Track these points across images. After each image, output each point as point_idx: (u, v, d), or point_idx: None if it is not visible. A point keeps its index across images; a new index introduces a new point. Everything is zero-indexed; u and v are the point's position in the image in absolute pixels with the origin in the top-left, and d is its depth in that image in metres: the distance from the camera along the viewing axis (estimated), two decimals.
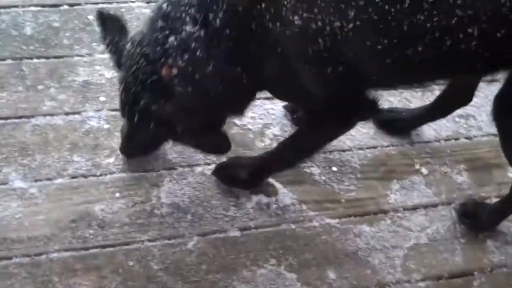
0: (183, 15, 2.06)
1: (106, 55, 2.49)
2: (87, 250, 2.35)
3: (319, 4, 1.90)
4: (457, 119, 2.91)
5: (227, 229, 2.47)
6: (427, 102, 2.85)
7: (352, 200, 2.62)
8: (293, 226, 2.52)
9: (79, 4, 3.07)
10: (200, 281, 2.34)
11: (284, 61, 2.04)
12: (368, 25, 1.91)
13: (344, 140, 2.74)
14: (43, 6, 3.03)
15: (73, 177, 2.51)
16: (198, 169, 2.60)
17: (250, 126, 2.75)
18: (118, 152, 2.56)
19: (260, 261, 2.41)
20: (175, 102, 2.12)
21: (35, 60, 2.83)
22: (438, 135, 2.87)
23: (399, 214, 2.61)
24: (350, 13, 1.89)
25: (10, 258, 2.29)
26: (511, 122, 2.21)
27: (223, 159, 2.56)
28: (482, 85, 2.64)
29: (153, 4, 2.39)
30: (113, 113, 2.64)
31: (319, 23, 1.92)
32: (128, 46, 2.21)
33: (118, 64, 2.29)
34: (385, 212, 2.61)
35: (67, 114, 2.68)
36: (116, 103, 2.37)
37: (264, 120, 2.79)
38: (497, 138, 2.31)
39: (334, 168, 2.69)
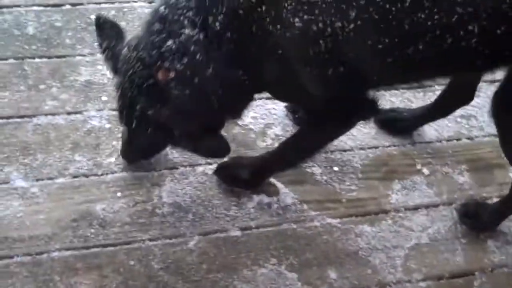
0: (181, 18, 2.05)
1: None
2: (88, 249, 2.35)
3: (320, 5, 1.90)
4: (458, 119, 2.92)
5: (228, 229, 2.47)
6: (429, 102, 2.84)
7: (353, 200, 2.62)
8: (294, 226, 2.52)
9: (81, 4, 3.07)
10: (200, 281, 2.34)
11: (285, 63, 2.04)
12: (369, 25, 1.91)
13: (346, 140, 2.74)
14: (46, 5, 3.03)
15: (75, 177, 2.52)
16: (200, 168, 2.60)
17: (251, 126, 2.76)
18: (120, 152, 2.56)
19: (261, 261, 2.42)
20: (172, 106, 2.12)
21: (37, 60, 2.84)
22: (439, 135, 2.87)
23: (400, 214, 2.61)
24: (351, 13, 1.90)
25: (11, 257, 2.29)
26: (509, 120, 2.21)
27: (225, 159, 2.56)
28: (483, 85, 2.64)
29: (154, 4, 2.40)
30: (115, 112, 2.60)
31: (320, 25, 1.92)
32: (124, 51, 2.20)
33: (115, 70, 2.28)
34: (386, 212, 2.61)
35: (69, 113, 2.69)
36: None
37: (266, 120, 2.79)
38: (498, 139, 2.31)
39: (336, 168, 2.69)
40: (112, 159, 2.55)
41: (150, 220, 2.45)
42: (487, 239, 2.59)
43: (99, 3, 3.09)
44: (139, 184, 2.53)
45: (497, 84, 2.21)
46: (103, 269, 2.31)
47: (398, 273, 2.46)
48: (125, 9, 3.09)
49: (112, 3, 3.10)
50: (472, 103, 2.68)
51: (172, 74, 2.07)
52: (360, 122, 2.51)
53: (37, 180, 2.48)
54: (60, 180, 2.50)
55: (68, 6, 3.05)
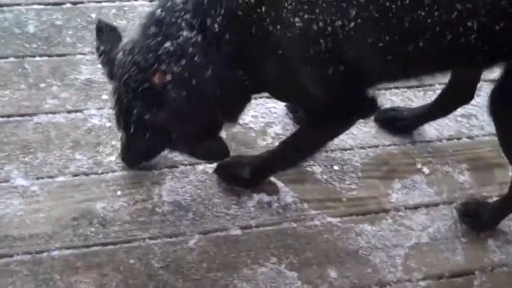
0: (179, 20, 2.04)
1: None
2: (88, 248, 2.35)
3: (320, 5, 1.90)
4: (459, 118, 2.91)
5: (228, 228, 2.47)
6: (429, 101, 2.84)
7: (353, 199, 2.62)
8: (294, 225, 2.52)
9: (82, 2, 3.07)
10: (201, 279, 2.34)
11: (285, 63, 2.04)
12: (369, 23, 1.92)
13: (346, 139, 2.74)
14: (46, 4, 3.04)
15: (75, 175, 2.52)
16: (200, 167, 2.60)
17: (252, 125, 2.76)
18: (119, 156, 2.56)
19: (261, 260, 2.42)
20: (169, 109, 2.11)
21: (37, 58, 2.84)
22: (440, 134, 2.87)
23: (401, 213, 2.61)
24: (351, 12, 1.90)
25: (11, 256, 2.29)
26: (507, 117, 2.21)
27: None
28: (483, 84, 2.64)
29: (155, 2, 2.40)
30: None
31: (321, 24, 1.92)
32: (120, 55, 2.19)
33: (111, 75, 2.27)
34: (386, 211, 2.61)
35: (69, 112, 2.69)
36: None
37: (266, 119, 2.79)
38: (497, 136, 2.32)
39: (336, 167, 2.69)
40: (113, 158, 2.56)
41: (150, 218, 2.45)
42: (487, 238, 2.59)
43: (100, 2, 3.09)
44: (139, 182, 2.53)
45: None
46: (103, 268, 2.32)
47: (398, 272, 2.46)
48: (126, 8, 3.09)
49: (113, 1, 3.10)
50: (473, 102, 2.67)
51: (169, 77, 2.06)
52: (360, 120, 2.51)
53: (38, 178, 2.48)
54: (61, 178, 2.50)
55: (68, 5, 3.05)
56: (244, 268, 2.39)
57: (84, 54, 2.88)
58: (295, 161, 2.55)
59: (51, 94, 2.73)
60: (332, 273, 2.42)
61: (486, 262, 2.53)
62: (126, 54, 2.15)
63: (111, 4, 3.09)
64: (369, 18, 1.90)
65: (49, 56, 2.86)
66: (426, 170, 2.74)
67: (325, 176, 2.66)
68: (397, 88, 2.95)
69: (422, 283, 2.45)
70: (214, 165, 2.58)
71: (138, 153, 2.44)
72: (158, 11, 2.09)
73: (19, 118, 2.64)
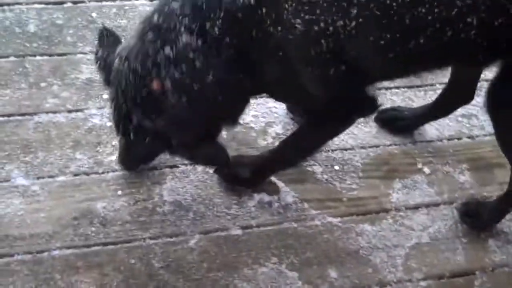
0: (177, 25, 2.02)
1: None
2: (88, 248, 2.35)
3: (321, 5, 1.90)
4: (459, 118, 2.91)
5: (228, 227, 2.47)
6: (430, 101, 2.84)
7: (354, 199, 2.62)
8: (294, 225, 2.52)
9: (82, 2, 3.07)
10: (201, 279, 2.34)
11: (286, 64, 2.03)
12: (370, 22, 1.92)
13: (346, 139, 2.75)
14: (47, 3, 3.03)
15: (75, 175, 2.52)
16: (200, 167, 2.59)
17: (252, 125, 2.75)
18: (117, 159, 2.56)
19: (261, 260, 2.42)
20: (169, 115, 2.10)
21: (38, 58, 2.84)
22: (440, 134, 2.87)
23: (401, 213, 2.61)
24: (352, 11, 1.90)
25: (12, 255, 2.30)
26: (503, 115, 2.23)
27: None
28: (484, 84, 2.63)
29: (156, 1, 2.39)
30: None
31: (322, 24, 1.92)
32: (116, 61, 2.18)
33: (107, 81, 2.26)
34: (387, 211, 2.61)
35: (69, 111, 2.69)
36: None
37: (267, 119, 2.79)
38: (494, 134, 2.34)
39: (336, 167, 2.69)
40: (113, 157, 2.55)
41: (150, 218, 2.45)
42: (488, 238, 2.59)
43: (101, 1, 3.08)
44: (139, 182, 2.53)
45: None
46: (104, 268, 2.32)
47: (399, 272, 2.46)
48: (126, 7, 3.09)
49: (113, 0, 3.10)
50: (473, 102, 2.67)
51: (169, 83, 2.04)
52: (360, 120, 2.51)
53: (38, 178, 2.48)
54: (61, 178, 2.50)
55: (69, 4, 3.05)
56: (244, 268, 2.39)
57: (85, 53, 2.88)
58: (295, 161, 2.55)
59: (52, 93, 2.73)
60: (333, 273, 2.42)
61: (486, 262, 2.53)
62: (123, 61, 2.13)
63: (112, 3, 3.09)
64: (370, 16, 1.90)
65: (50, 55, 2.85)
66: (426, 170, 2.74)
67: (325, 176, 2.66)
68: (397, 88, 2.95)
69: (422, 283, 2.45)
70: None
71: (137, 157, 2.44)
72: (155, 16, 2.07)
73: (19, 118, 2.64)
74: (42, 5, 3.02)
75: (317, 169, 2.67)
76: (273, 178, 2.60)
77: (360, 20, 1.91)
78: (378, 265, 2.46)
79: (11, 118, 2.63)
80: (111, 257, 2.34)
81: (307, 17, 1.91)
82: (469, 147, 2.85)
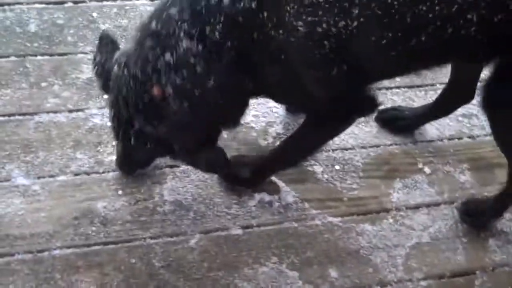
0: (176, 31, 2.02)
1: None
2: (89, 247, 2.36)
3: (323, 6, 1.90)
4: (460, 118, 2.91)
5: (229, 227, 2.47)
6: (430, 101, 2.84)
7: (354, 198, 2.62)
8: (295, 225, 2.52)
9: (83, 2, 3.07)
10: (201, 279, 2.34)
11: (288, 67, 2.03)
12: (372, 21, 1.92)
13: (347, 139, 2.75)
14: (48, 3, 3.04)
15: (76, 174, 2.52)
16: None
17: (253, 125, 2.76)
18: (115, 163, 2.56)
19: (262, 259, 2.42)
20: (171, 121, 2.11)
21: (39, 57, 2.84)
22: (441, 134, 2.87)
23: (402, 213, 2.61)
24: (354, 11, 1.90)
25: (12, 255, 2.30)
26: (499, 114, 2.23)
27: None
28: None
29: (157, 1, 2.39)
30: None
31: (324, 25, 1.92)
32: (115, 68, 2.17)
33: (105, 87, 2.26)
34: (387, 210, 2.61)
35: (70, 111, 2.69)
36: None
37: (267, 119, 2.79)
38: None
39: (337, 167, 2.69)
40: (114, 157, 2.54)
41: (151, 218, 2.45)
42: (488, 238, 2.59)
43: (101, 1, 3.09)
44: (140, 182, 2.53)
45: None
46: (104, 267, 2.32)
47: (399, 272, 2.46)
48: (127, 7, 3.09)
49: (114, 0, 3.10)
50: (473, 101, 2.66)
51: (170, 90, 2.04)
52: (361, 120, 2.51)
53: (39, 177, 2.49)
54: (62, 178, 2.50)
55: (70, 4, 3.05)
56: (245, 267, 2.39)
57: (86, 53, 2.88)
58: (295, 161, 2.55)
59: (52, 93, 2.73)
60: (333, 273, 2.42)
61: (487, 262, 2.53)
62: (122, 67, 2.13)
63: (113, 3, 3.09)
64: (372, 16, 1.90)
65: (51, 55, 2.86)
66: (427, 169, 2.74)
67: (326, 176, 2.66)
68: (398, 87, 2.95)
69: (423, 283, 2.45)
70: None
71: (137, 162, 2.44)
72: (153, 23, 2.07)
73: (20, 117, 2.64)
74: (43, 5, 3.02)
75: (318, 168, 2.67)
76: (273, 178, 2.60)
77: (362, 20, 1.91)
78: (379, 265, 2.46)
79: (12, 117, 2.63)
80: (112, 257, 2.34)
81: (309, 19, 1.91)
82: (469, 147, 2.85)
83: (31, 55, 2.84)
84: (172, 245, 2.40)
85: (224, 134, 2.43)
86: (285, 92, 2.19)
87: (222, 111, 2.15)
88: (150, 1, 3.11)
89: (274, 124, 2.77)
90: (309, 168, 2.66)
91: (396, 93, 2.95)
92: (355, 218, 2.57)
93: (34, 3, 3.02)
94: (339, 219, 2.56)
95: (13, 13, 2.97)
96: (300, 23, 1.92)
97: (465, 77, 2.55)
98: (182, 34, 2.01)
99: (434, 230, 2.58)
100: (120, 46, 2.33)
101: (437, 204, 2.65)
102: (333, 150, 2.72)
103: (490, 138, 2.75)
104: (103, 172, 2.53)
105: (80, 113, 2.69)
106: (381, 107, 2.48)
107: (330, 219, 2.55)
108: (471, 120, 2.92)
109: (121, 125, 2.22)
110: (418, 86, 2.97)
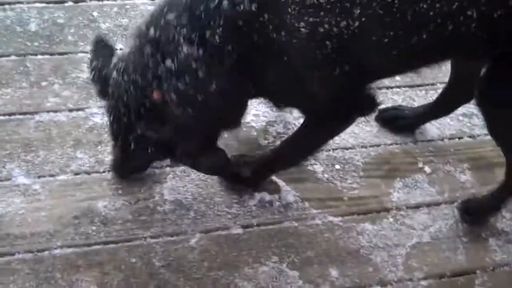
0: (176, 36, 2.01)
1: None
2: (89, 247, 2.36)
3: (325, 7, 1.90)
4: (460, 117, 2.91)
5: (229, 226, 2.47)
6: (431, 100, 2.84)
7: (355, 198, 2.62)
8: (295, 224, 2.52)
9: (83, 1, 3.07)
10: (202, 278, 2.34)
11: (290, 68, 2.03)
12: (373, 20, 1.92)
13: (347, 138, 2.75)
14: (48, 2, 3.04)
15: (76, 174, 2.52)
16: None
17: (253, 124, 2.76)
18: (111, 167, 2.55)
19: (262, 259, 2.42)
20: (173, 126, 2.11)
21: (39, 57, 2.84)
22: (441, 133, 2.87)
23: (402, 213, 2.61)
24: (355, 11, 1.90)
25: (13, 254, 2.30)
26: (494, 111, 2.25)
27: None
28: None
29: (156, 2, 2.39)
30: None
31: (326, 26, 1.92)
32: (114, 74, 2.17)
33: (102, 93, 2.27)
34: (388, 210, 2.61)
35: (70, 110, 2.69)
36: None
37: (268, 118, 2.79)
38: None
39: (337, 166, 2.69)
40: None
41: (151, 217, 2.45)
42: (489, 237, 2.59)
43: (102, 0, 3.08)
44: (140, 181, 2.53)
45: None
46: (105, 266, 2.32)
47: (400, 272, 2.46)
48: (128, 6, 3.09)
49: (114, 0, 3.10)
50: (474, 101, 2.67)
51: (173, 95, 2.04)
52: (361, 119, 2.51)
53: (39, 177, 2.48)
54: (62, 177, 2.50)
55: (70, 3, 3.06)
56: (245, 267, 2.39)
57: (86, 52, 2.86)
58: (296, 160, 2.55)
59: (53, 92, 2.73)
60: (333, 272, 2.42)
61: (487, 262, 2.53)
62: (121, 74, 2.13)
63: (113, 2, 3.09)
64: (373, 15, 1.91)
65: (51, 54, 2.86)
66: (427, 169, 2.74)
67: (326, 175, 2.66)
68: (398, 87, 2.95)
69: (423, 283, 2.45)
70: None
71: (135, 167, 2.44)
72: (151, 30, 2.06)
73: (20, 117, 2.64)
74: (43, 4, 3.02)
75: (318, 168, 2.67)
76: (274, 177, 2.60)
77: (363, 19, 1.91)
78: (379, 264, 2.46)
79: (12, 117, 2.63)
80: (112, 256, 2.34)
81: (311, 20, 1.91)
82: (470, 146, 2.85)
83: (32, 54, 2.84)
84: (172, 245, 2.40)
85: (225, 134, 2.43)
86: (286, 93, 2.19)
87: (224, 114, 2.15)
88: (151, 0, 3.10)
89: (275, 124, 2.77)
90: (310, 168, 2.66)
91: (397, 93, 2.95)
92: (356, 217, 2.57)
93: (35, 2, 3.02)
94: (340, 218, 2.56)
95: (14, 12, 2.97)
96: (302, 24, 1.92)
97: (465, 76, 2.55)
98: (181, 39, 2.01)
99: (434, 230, 2.58)
100: (117, 49, 2.34)
101: (437, 204, 2.65)
102: (333, 149, 2.72)
103: (490, 137, 2.77)
104: (104, 172, 2.53)
105: (80, 112, 2.69)
106: (382, 107, 2.48)
107: (331, 218, 2.55)
108: (471, 120, 2.91)
109: (121, 130, 2.22)
110: (418, 86, 2.97)
